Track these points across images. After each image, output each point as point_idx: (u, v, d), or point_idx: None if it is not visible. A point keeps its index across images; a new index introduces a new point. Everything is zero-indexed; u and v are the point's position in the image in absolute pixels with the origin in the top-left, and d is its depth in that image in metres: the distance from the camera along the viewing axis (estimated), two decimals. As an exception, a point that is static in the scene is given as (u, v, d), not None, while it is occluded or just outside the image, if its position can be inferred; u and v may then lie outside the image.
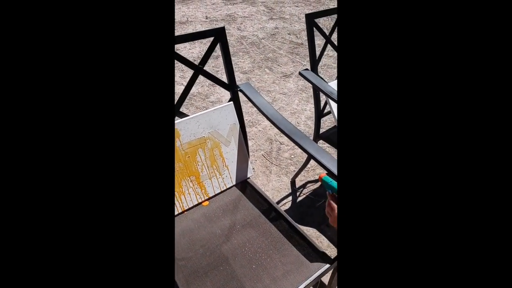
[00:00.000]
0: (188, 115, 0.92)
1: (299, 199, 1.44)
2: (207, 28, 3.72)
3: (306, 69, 1.14)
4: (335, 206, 0.63)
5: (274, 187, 1.50)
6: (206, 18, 3.68)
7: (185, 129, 0.90)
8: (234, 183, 1.02)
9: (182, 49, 2.91)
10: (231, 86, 0.98)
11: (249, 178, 1.06)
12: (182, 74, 2.49)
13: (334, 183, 0.69)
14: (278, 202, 1.42)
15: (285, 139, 1.81)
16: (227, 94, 2.23)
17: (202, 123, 0.92)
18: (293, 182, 1.52)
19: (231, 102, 0.98)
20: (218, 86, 2.32)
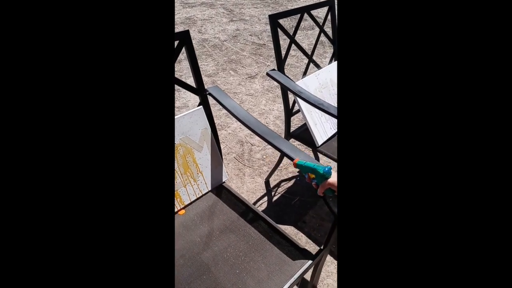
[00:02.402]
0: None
1: (275, 198, 1.45)
2: (167, 32, 3.61)
3: (273, 70, 1.15)
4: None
5: (249, 189, 1.49)
6: (165, 22, 3.59)
7: (155, 137, 0.86)
8: (210, 188, 1.00)
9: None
10: (200, 90, 0.96)
11: (224, 182, 1.04)
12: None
13: (308, 163, 0.71)
14: (254, 204, 1.42)
15: (255, 140, 1.82)
16: (192, 99, 2.18)
17: (173, 129, 0.90)
18: (267, 182, 1.53)
19: (201, 107, 0.96)
20: (183, 91, 2.28)
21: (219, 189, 1.02)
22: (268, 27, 3.52)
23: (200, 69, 2.72)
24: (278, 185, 1.52)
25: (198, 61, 2.77)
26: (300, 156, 0.81)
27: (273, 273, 0.78)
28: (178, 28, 3.43)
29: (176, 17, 3.76)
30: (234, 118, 2.00)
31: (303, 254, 0.83)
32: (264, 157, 1.70)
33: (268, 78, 2.54)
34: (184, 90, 2.28)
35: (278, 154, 1.71)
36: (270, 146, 1.77)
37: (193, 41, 3.28)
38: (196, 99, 2.18)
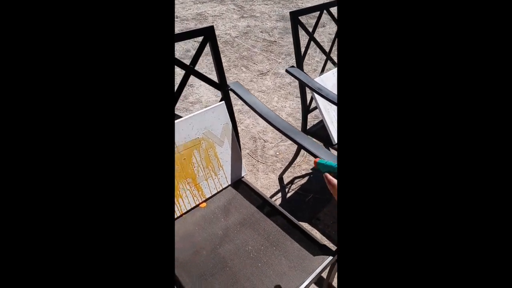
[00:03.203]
0: (181, 117, 0.90)
1: (288, 195, 1.46)
2: (179, 28, 3.60)
3: (293, 66, 1.16)
4: (335, 181, 0.65)
5: (263, 185, 1.51)
6: (177, 18, 3.60)
7: (179, 131, 0.88)
8: (230, 183, 1.01)
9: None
10: (222, 85, 0.97)
11: (243, 177, 1.06)
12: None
13: (330, 163, 0.71)
14: (267, 199, 1.43)
15: (269, 136, 1.83)
16: (206, 95, 2.20)
17: (196, 124, 0.91)
18: (281, 179, 1.54)
19: (223, 102, 0.98)
20: (197, 86, 2.29)
21: (238, 184, 1.03)
22: (279, 24, 3.51)
23: (212, 65, 2.72)
24: (291, 182, 1.53)
25: (210, 57, 2.78)
26: (321, 152, 0.82)
27: (295, 268, 0.79)
28: (190, 24, 3.44)
29: (187, 13, 3.77)
30: (246, 115, 2.01)
31: (323, 250, 0.84)
32: (278, 153, 1.71)
33: (280, 75, 2.54)
34: (198, 85, 2.29)
35: (291, 151, 1.72)
36: (283, 143, 1.78)
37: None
38: (209, 94, 2.19)
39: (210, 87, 2.31)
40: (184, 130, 0.89)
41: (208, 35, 0.89)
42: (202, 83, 2.33)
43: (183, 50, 2.78)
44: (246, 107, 2.09)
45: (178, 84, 0.89)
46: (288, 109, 2.10)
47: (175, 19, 3.54)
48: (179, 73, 2.44)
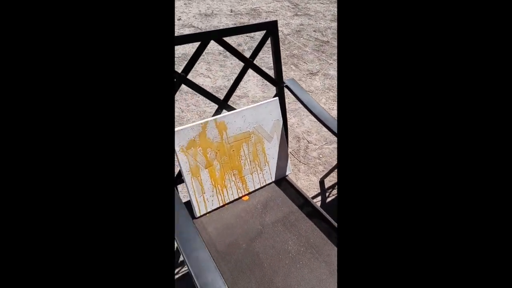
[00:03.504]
0: (235, 109, 0.91)
1: (328, 200, 1.42)
2: (232, 22, 3.65)
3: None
4: None
5: (303, 186, 1.48)
6: (231, 12, 3.66)
7: (232, 123, 0.89)
8: (274, 179, 1.01)
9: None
10: (278, 81, 0.96)
11: (287, 175, 1.04)
12: (208, 67, 2.48)
13: None
14: (306, 201, 1.41)
15: (313, 138, 1.79)
16: (253, 90, 2.21)
17: (248, 117, 0.91)
18: (322, 182, 1.50)
19: (277, 98, 0.97)
20: (245, 81, 2.31)
21: (282, 182, 1.02)
22: (333, 24, 3.42)
23: (262, 61, 2.71)
24: (333, 187, 1.49)
25: (261, 53, 2.79)
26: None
27: (335, 276, 0.76)
28: (243, 19, 3.48)
29: (241, 7, 3.82)
30: (292, 114, 1.99)
31: (366, 261, 0.80)
32: (321, 156, 1.67)
33: (330, 76, 2.48)
34: (246, 80, 2.32)
35: (335, 155, 1.67)
36: (327, 146, 1.74)
37: (257, 33, 3.30)
38: (256, 90, 2.21)
39: (258, 82, 2.32)
40: (237, 122, 0.89)
41: (271, 29, 0.88)
42: (251, 77, 2.35)
43: (235, 44, 2.82)
44: (292, 106, 2.07)
45: (236, 76, 0.90)
46: (336, 112, 2.04)
47: (230, 13, 3.60)
48: (229, 65, 2.48)
